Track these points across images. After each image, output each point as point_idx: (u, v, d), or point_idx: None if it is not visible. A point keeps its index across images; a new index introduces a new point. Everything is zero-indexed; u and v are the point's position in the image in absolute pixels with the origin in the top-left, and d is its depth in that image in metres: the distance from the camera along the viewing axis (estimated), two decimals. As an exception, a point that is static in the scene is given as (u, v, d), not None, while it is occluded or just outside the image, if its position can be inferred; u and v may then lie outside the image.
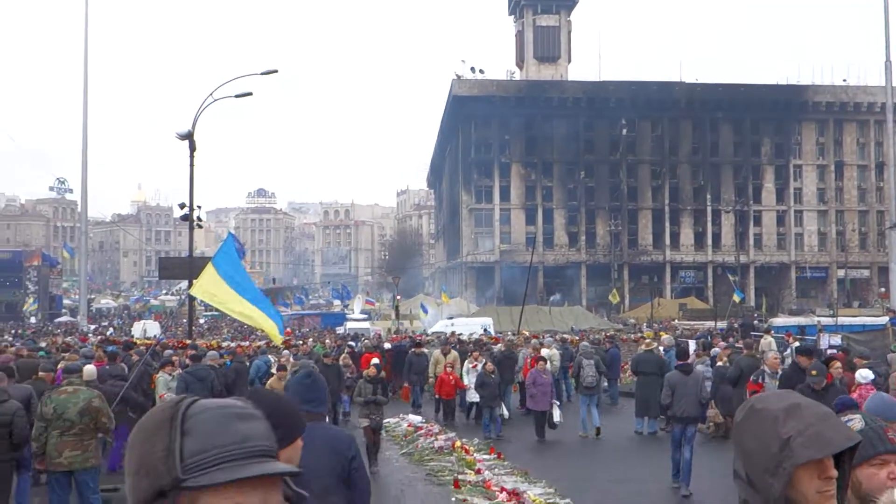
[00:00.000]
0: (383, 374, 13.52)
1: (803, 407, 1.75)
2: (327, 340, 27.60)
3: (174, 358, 14.55)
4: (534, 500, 9.28)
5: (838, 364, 9.96)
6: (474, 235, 79.92)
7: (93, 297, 78.88)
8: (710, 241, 79.82)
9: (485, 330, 32.83)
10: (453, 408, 17.11)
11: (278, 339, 9.80)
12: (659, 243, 79.77)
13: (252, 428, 1.22)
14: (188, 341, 20.67)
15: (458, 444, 13.19)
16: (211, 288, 8.87)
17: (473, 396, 16.42)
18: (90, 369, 10.53)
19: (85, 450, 7.62)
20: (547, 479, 10.72)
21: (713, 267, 78.12)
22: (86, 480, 7.68)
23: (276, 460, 1.23)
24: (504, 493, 9.75)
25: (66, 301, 79.89)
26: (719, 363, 14.60)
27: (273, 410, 2.43)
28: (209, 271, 8.96)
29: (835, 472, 1.73)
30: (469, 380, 16.71)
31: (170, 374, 13.13)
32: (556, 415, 14.56)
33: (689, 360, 12.05)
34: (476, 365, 16.71)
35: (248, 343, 23.52)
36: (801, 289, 79.37)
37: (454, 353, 18.66)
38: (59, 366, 11.72)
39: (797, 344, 18.92)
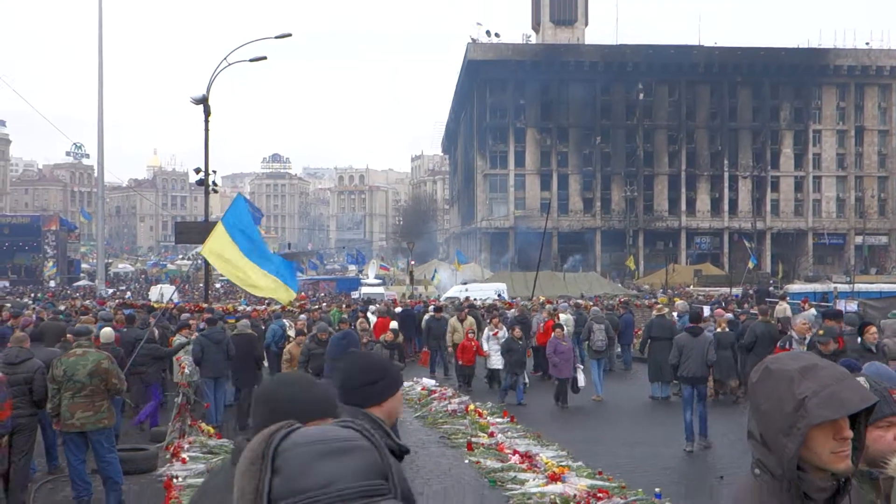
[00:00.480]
0: (400, 339, 13.50)
1: (819, 367, 1.73)
2: (345, 305, 27.70)
3: (191, 321, 14.71)
4: (546, 463, 9.35)
5: (874, 329, 9.70)
6: (489, 201, 79.68)
7: (110, 261, 79.61)
8: (726, 208, 79.16)
9: (499, 295, 32.89)
10: (472, 374, 17.04)
11: (285, 299, 9.65)
12: (675, 209, 79.24)
13: (343, 467, 1.11)
14: (205, 305, 20.87)
15: (471, 407, 13.28)
16: (218, 248, 8.82)
17: (494, 364, 16.36)
18: (107, 332, 10.68)
19: (97, 411, 7.76)
20: (559, 442, 10.79)
21: (729, 233, 77.65)
22: (100, 440, 7.83)
23: (371, 499, 1.12)
24: (517, 455, 9.83)
25: (84, 265, 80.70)
26: (718, 329, 14.54)
27: (371, 368, 2.75)
28: (218, 230, 8.92)
29: (850, 433, 1.72)
30: (489, 347, 16.60)
31: (186, 337, 13.29)
32: (580, 379, 14.56)
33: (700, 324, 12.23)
34: (497, 332, 16.57)
35: (263, 307, 23.67)
36: (818, 256, 78.78)
37: (470, 318, 18.53)
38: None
39: (812, 310, 18.84)
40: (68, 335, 10.75)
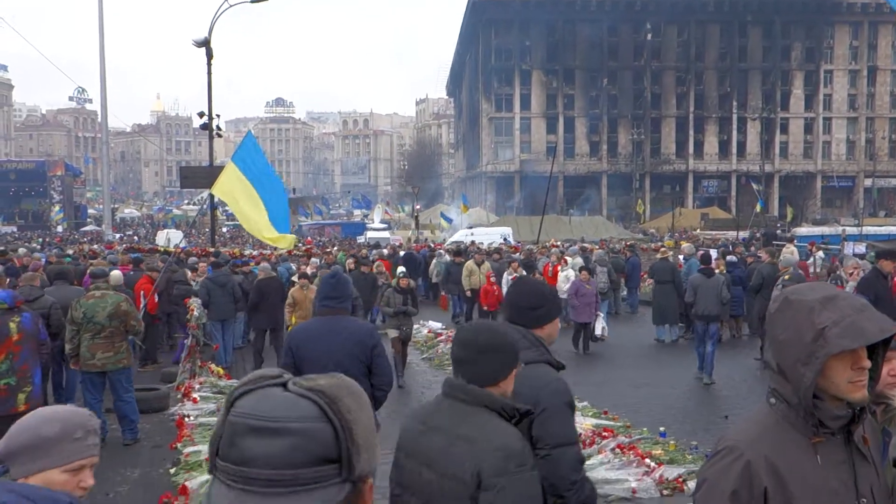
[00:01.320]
0: (413, 284, 13.38)
1: (840, 298, 1.73)
2: (346, 249, 27.63)
3: (199, 265, 14.79)
4: (553, 403, 9.45)
5: None
6: (494, 145, 79.07)
7: (116, 206, 79.63)
8: (734, 150, 78.44)
9: (504, 239, 32.89)
10: (495, 318, 16.88)
11: (283, 244, 9.75)
12: (682, 152, 78.57)
13: (261, 449, 1.06)
14: (211, 249, 20.94)
15: (477, 349, 13.31)
16: (227, 186, 8.84)
17: None
18: (116, 275, 10.75)
19: (116, 351, 7.99)
20: (565, 383, 10.90)
21: (737, 176, 77.08)
22: (119, 380, 8.08)
23: (281, 490, 1.05)
24: (523, 395, 9.93)
25: (90, 210, 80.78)
26: (717, 272, 14.53)
27: (536, 296, 3.12)
28: (230, 168, 8.93)
29: (868, 363, 1.72)
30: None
31: (195, 281, 13.38)
32: (599, 328, 14.38)
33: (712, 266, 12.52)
34: (515, 276, 16.42)
35: (269, 251, 23.72)
36: (827, 198, 78.33)
37: (487, 263, 18.34)
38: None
39: (820, 253, 18.82)
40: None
